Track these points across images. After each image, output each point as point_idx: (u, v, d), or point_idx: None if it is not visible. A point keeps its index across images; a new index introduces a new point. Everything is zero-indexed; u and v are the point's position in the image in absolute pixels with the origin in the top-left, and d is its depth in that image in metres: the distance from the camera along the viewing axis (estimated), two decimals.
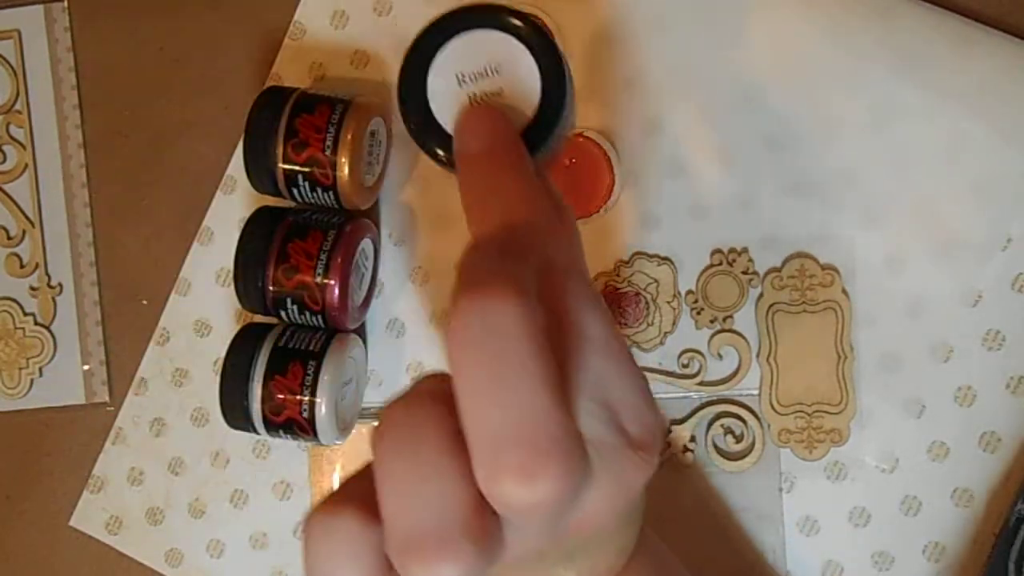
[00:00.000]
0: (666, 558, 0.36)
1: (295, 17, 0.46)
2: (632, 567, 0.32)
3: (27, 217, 0.47)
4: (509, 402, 0.21)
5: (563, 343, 0.24)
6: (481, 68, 0.29)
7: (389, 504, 0.22)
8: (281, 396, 0.40)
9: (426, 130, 0.29)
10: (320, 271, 0.40)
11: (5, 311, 0.47)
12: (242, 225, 0.42)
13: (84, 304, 0.47)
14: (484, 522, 0.22)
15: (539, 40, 0.29)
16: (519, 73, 0.29)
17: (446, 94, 0.29)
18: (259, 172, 0.41)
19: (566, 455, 0.21)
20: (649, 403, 0.25)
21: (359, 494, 0.24)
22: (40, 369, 0.47)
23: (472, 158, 0.28)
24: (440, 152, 0.29)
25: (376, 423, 0.24)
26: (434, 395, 0.23)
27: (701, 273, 0.43)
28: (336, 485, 0.45)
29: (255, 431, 0.41)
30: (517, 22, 0.29)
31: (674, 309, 0.43)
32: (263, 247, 0.41)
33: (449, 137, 0.29)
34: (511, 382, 0.21)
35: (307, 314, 0.41)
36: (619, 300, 0.43)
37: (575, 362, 0.24)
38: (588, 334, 0.24)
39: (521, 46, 0.29)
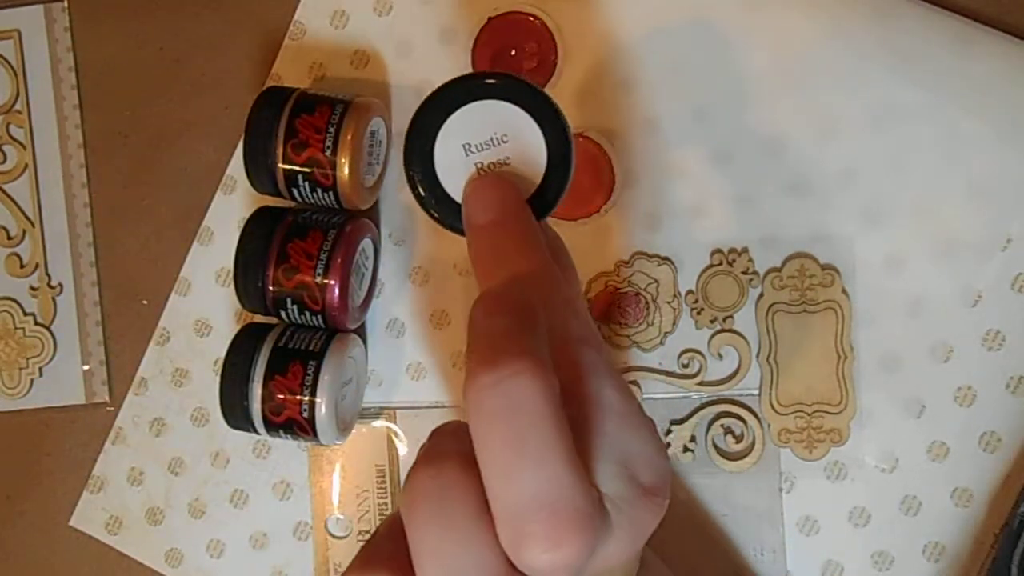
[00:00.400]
0: (654, 564, 0.36)
1: (295, 17, 0.46)
2: None
3: (27, 217, 0.47)
4: (531, 474, 0.22)
5: (581, 412, 0.25)
6: (488, 138, 0.29)
7: (426, 571, 0.23)
8: (281, 396, 0.40)
9: (434, 198, 0.30)
10: (320, 271, 0.40)
11: (5, 311, 0.48)
12: (242, 225, 0.42)
13: (84, 304, 0.47)
14: None
15: (543, 108, 0.29)
16: (525, 141, 0.29)
17: (453, 163, 0.30)
18: (259, 172, 0.41)
19: (587, 521, 0.22)
20: (659, 449, 0.26)
21: (390, 554, 0.25)
22: (40, 369, 0.47)
23: (481, 228, 0.28)
24: (448, 220, 0.29)
25: (405, 486, 0.24)
26: (460, 458, 0.24)
27: (701, 273, 0.43)
28: (336, 485, 0.45)
29: (255, 431, 0.41)
30: (523, 91, 0.29)
31: (674, 309, 0.43)
32: (263, 247, 0.41)
33: (457, 205, 0.29)
34: (532, 455, 0.22)
35: (307, 314, 0.41)
36: (619, 300, 0.43)
37: (594, 430, 0.25)
38: (603, 402, 0.25)
39: (526, 115, 0.29)
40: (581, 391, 0.25)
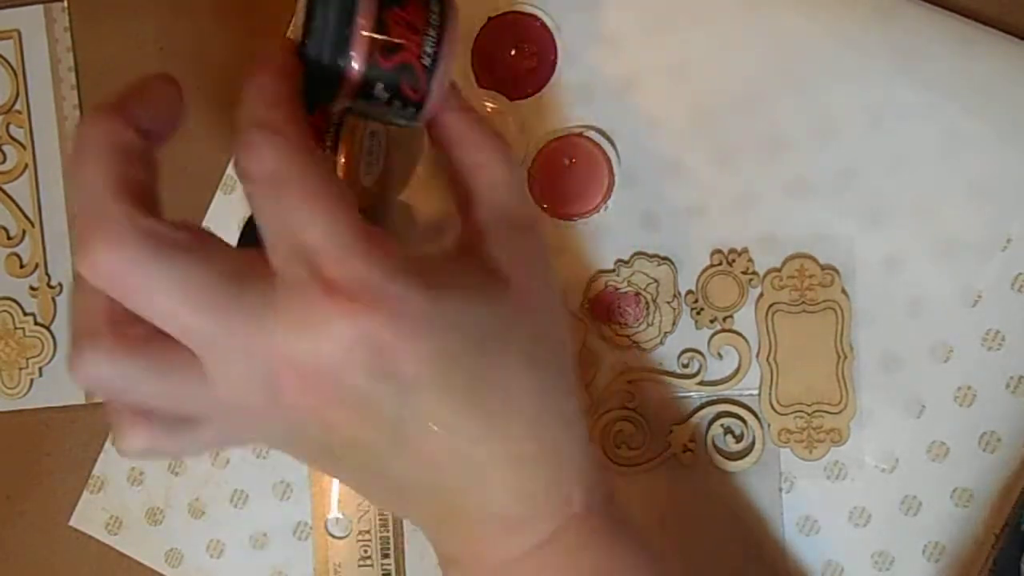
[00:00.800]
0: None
1: (295, 17, 0.46)
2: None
3: (27, 217, 0.48)
4: (76, 188, 0.28)
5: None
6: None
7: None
8: None
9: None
10: None
11: (5, 311, 0.48)
12: (242, 225, 0.42)
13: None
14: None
15: None
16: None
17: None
18: None
19: (112, 235, 0.27)
20: (353, 249, 0.28)
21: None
22: (40, 369, 0.47)
23: None
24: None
25: None
26: None
27: (701, 273, 0.43)
28: (335, 485, 0.45)
29: None
30: None
31: (674, 309, 0.43)
32: (263, 247, 0.41)
33: None
34: (78, 173, 0.28)
35: None
36: (619, 300, 0.43)
37: (252, 200, 0.29)
38: (251, 177, 0.29)
39: None
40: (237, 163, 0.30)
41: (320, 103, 0.32)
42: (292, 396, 0.28)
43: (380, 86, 0.31)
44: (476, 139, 0.33)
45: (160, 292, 0.27)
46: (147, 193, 0.29)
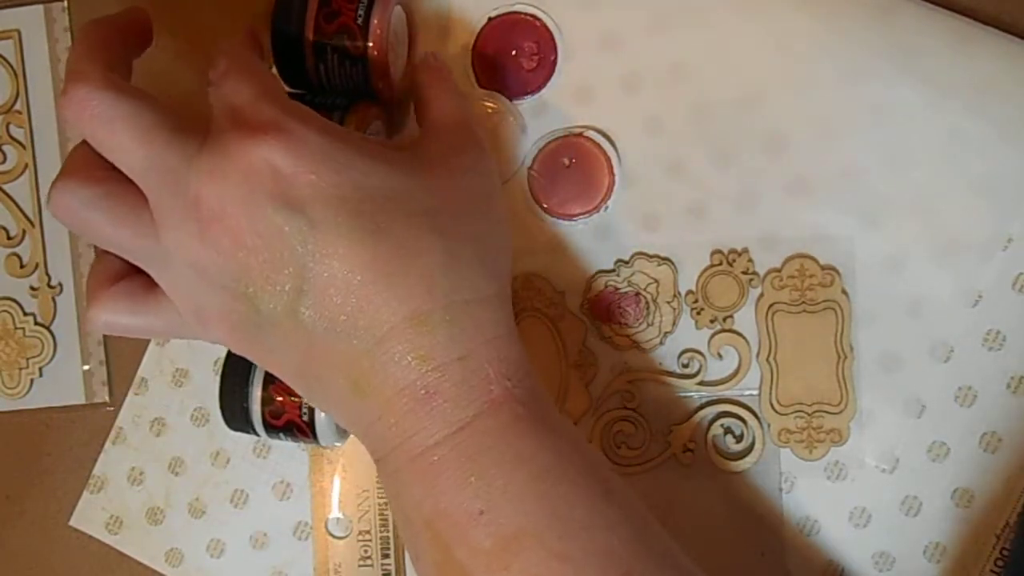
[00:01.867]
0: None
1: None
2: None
3: (27, 217, 0.48)
4: (67, 63, 0.36)
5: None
6: None
7: None
8: (281, 399, 0.40)
9: None
10: None
11: (5, 311, 0.48)
12: None
13: (84, 304, 0.47)
14: None
15: None
16: None
17: None
18: None
19: (81, 76, 0.33)
20: (268, 100, 0.33)
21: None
22: (40, 369, 0.47)
23: None
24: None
25: None
26: None
27: (701, 273, 0.43)
28: (336, 485, 0.45)
29: (255, 433, 0.41)
30: None
31: (674, 309, 0.43)
32: None
33: None
34: (68, 57, 0.35)
35: None
36: (619, 300, 0.43)
37: (211, 100, 0.34)
38: (211, 82, 0.34)
39: None
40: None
41: (288, 66, 0.40)
42: (214, 234, 0.32)
43: (328, 48, 0.39)
44: (430, 81, 0.40)
45: (112, 123, 0.32)
46: (119, 69, 0.35)
